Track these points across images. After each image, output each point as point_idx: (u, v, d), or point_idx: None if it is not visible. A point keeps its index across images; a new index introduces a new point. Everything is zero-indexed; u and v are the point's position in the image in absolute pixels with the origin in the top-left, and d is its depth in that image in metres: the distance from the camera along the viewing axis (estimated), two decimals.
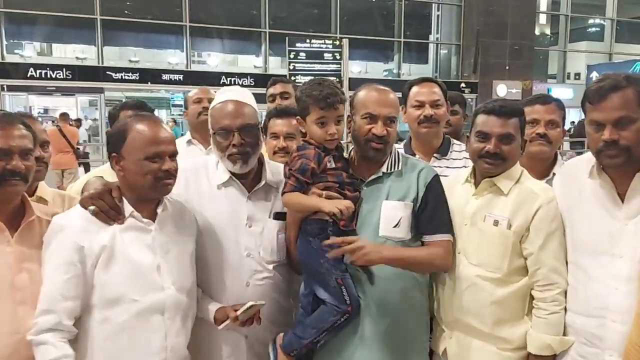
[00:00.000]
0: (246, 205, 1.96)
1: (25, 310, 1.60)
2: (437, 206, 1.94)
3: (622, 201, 1.73)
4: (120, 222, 1.72)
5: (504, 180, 1.94)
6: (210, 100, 2.97)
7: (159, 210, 1.79)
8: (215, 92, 3.09)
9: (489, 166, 1.92)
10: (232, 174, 1.96)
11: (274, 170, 2.05)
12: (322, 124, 1.91)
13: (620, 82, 1.65)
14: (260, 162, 2.02)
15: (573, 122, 15.27)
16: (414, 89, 2.54)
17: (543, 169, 2.23)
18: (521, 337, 1.88)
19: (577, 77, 20.94)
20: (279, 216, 1.99)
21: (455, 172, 2.30)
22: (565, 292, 1.85)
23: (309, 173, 1.88)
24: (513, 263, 1.88)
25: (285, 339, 1.92)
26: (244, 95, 1.99)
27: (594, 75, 17.23)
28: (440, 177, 2.18)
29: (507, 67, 17.91)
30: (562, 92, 17.92)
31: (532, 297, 1.90)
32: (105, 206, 1.71)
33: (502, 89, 17.37)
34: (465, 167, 2.30)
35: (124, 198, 1.75)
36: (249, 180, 1.98)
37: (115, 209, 1.72)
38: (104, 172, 2.23)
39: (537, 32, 19.54)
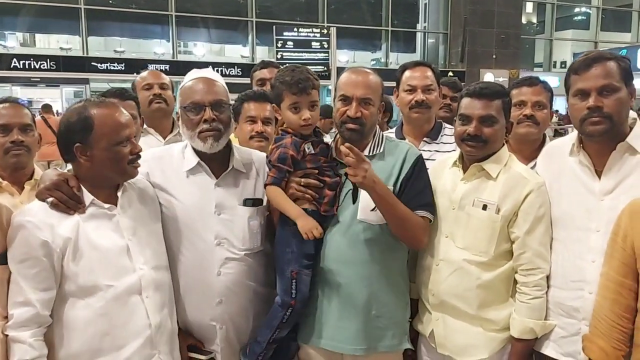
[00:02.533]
0: (215, 192, 1.93)
1: None
2: (419, 186, 1.93)
3: (599, 178, 1.78)
4: (81, 211, 1.69)
5: (492, 164, 1.94)
6: (162, 86, 2.89)
7: (119, 194, 1.77)
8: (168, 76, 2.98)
9: (471, 149, 1.92)
10: (201, 158, 1.92)
11: (243, 155, 2.02)
12: (295, 109, 1.91)
13: (604, 54, 1.77)
14: (229, 147, 1.98)
15: (557, 110, 15.37)
16: (407, 73, 2.51)
17: (531, 151, 2.24)
18: (506, 318, 1.90)
19: (563, 65, 21.04)
20: (249, 202, 1.96)
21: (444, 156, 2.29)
22: (548, 277, 1.88)
23: (289, 161, 1.87)
24: (500, 247, 1.90)
25: (249, 352, 1.94)
26: (216, 75, 1.98)
27: None
28: (429, 160, 2.19)
29: (494, 56, 18.01)
30: (548, 80, 17.31)
31: (516, 282, 1.91)
32: (63, 196, 1.67)
33: (489, 78, 17.41)
34: (455, 151, 2.29)
35: (82, 186, 1.72)
36: (217, 166, 1.95)
37: (74, 199, 1.68)
38: None
39: (524, 20, 19.62)
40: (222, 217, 1.91)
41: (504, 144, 1.99)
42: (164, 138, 2.87)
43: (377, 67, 18.47)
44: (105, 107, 1.71)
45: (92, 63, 14.95)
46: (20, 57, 14.36)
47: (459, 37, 18.04)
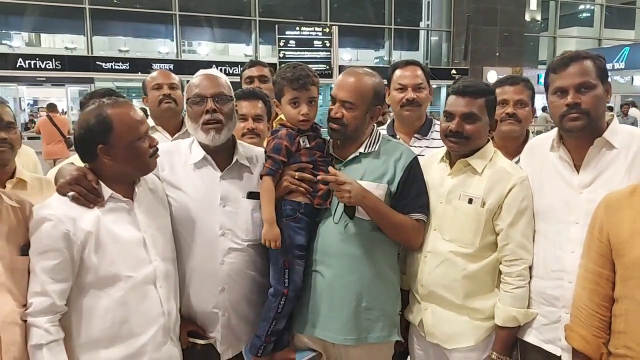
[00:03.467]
0: (220, 185, 2.01)
1: (1, 297, 1.63)
2: (414, 188, 2.01)
3: (578, 172, 1.86)
4: (101, 204, 1.76)
5: (478, 160, 2.02)
6: (171, 86, 2.96)
7: (136, 189, 1.85)
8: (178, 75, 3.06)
9: (453, 145, 2.00)
10: (206, 151, 2.01)
11: (247, 151, 2.11)
12: (295, 104, 2.00)
13: (581, 53, 1.86)
14: (233, 143, 2.07)
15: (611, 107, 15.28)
16: (397, 72, 2.58)
17: (515, 148, 2.30)
18: (491, 308, 1.98)
19: None
20: (252, 195, 2.03)
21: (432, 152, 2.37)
22: (531, 268, 1.95)
23: (284, 151, 1.96)
24: (485, 239, 1.97)
25: (250, 346, 2.02)
26: (219, 73, 2.07)
27: None
28: (420, 156, 2.26)
29: (497, 54, 17.98)
30: None
31: (500, 272, 1.99)
32: (83, 190, 1.74)
33: (492, 75, 17.39)
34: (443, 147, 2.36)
35: (100, 181, 1.79)
36: (222, 160, 2.03)
37: (93, 192, 1.75)
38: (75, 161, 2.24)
39: (527, 18, 19.56)
40: (226, 209, 2.00)
41: (489, 140, 2.06)
42: (172, 136, 2.95)
43: (380, 65, 18.50)
44: (120, 107, 1.78)
45: (97, 62, 15.05)
46: (26, 56, 14.47)
47: (462, 35, 18.03)
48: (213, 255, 1.97)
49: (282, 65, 2.12)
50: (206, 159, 2.01)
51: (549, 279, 1.89)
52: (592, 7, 21.99)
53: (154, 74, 3.04)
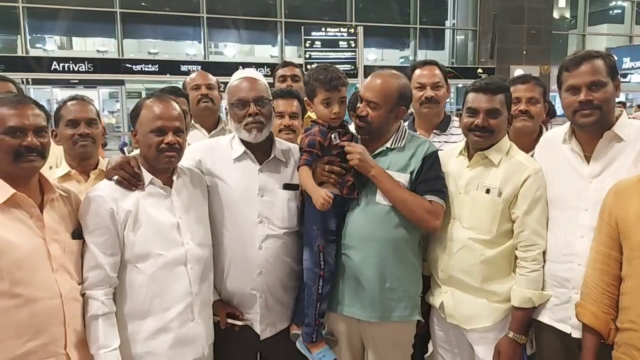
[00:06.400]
0: (258, 177, 2.18)
1: (61, 276, 1.81)
2: (430, 174, 2.15)
3: (588, 163, 1.98)
4: (141, 188, 1.97)
5: (495, 153, 2.15)
6: (209, 86, 3.17)
7: (174, 178, 2.04)
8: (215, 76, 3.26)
9: (478, 138, 2.13)
10: (246, 147, 2.19)
11: (283, 147, 2.29)
12: (327, 104, 2.17)
13: (592, 52, 1.97)
14: (270, 139, 2.25)
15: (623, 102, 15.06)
16: (417, 72, 2.75)
17: (528, 143, 2.41)
18: (508, 290, 2.11)
19: None
20: (288, 187, 2.21)
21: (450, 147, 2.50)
22: (544, 252, 2.08)
23: (318, 145, 2.12)
24: (501, 227, 2.10)
25: (303, 335, 2.18)
26: (258, 74, 2.25)
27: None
28: (439, 150, 2.41)
29: (524, 52, 17.77)
30: None
31: (516, 257, 2.12)
32: (125, 174, 1.96)
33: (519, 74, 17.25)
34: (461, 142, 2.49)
35: (142, 167, 2.00)
36: (260, 154, 2.21)
37: (134, 176, 1.97)
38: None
39: (556, 15, 19.31)
40: (264, 199, 2.17)
41: (505, 134, 2.19)
42: (209, 133, 3.15)
43: (406, 65, 18.50)
44: (153, 100, 2.00)
45: (127, 65, 15.37)
46: (60, 59, 14.85)
47: (488, 34, 17.87)
48: (252, 241, 2.14)
49: (314, 67, 2.28)
50: (246, 154, 2.19)
51: (560, 262, 2.02)
52: (623, 4, 21.56)
53: (193, 75, 3.26)
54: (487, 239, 2.11)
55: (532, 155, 2.25)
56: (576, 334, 1.93)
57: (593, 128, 1.94)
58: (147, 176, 1.99)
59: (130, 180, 1.96)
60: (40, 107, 1.85)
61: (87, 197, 1.94)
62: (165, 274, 1.95)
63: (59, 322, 1.77)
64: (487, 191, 2.12)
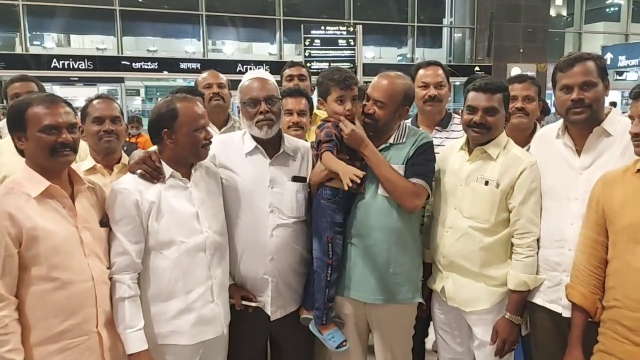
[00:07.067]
0: (269, 170, 2.33)
1: (92, 261, 1.96)
2: (420, 159, 2.29)
3: (579, 156, 2.15)
4: (162, 180, 2.12)
5: (493, 147, 2.30)
6: (220, 85, 3.32)
7: (193, 171, 2.19)
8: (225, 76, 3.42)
9: (476, 134, 2.29)
10: (257, 142, 2.34)
11: (292, 142, 2.44)
12: (341, 102, 2.33)
13: (584, 55, 2.12)
14: (280, 135, 2.40)
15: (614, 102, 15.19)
16: (420, 72, 2.91)
17: (524, 138, 2.57)
18: (504, 275, 2.26)
19: None
20: (296, 179, 2.36)
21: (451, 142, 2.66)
22: (538, 240, 2.24)
23: (334, 136, 2.28)
24: (499, 216, 2.26)
25: (314, 318, 2.34)
26: (268, 75, 2.40)
27: (609, 56, 17.26)
28: (440, 146, 2.58)
29: (521, 50, 17.89)
30: None
31: (512, 244, 2.28)
32: (148, 168, 2.11)
33: (516, 72, 17.31)
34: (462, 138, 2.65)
35: (163, 162, 2.14)
36: (271, 149, 2.36)
37: (156, 170, 2.12)
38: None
39: (552, 13, 19.41)
40: (274, 190, 2.32)
41: (503, 131, 2.35)
42: (219, 129, 3.28)
43: (403, 63, 18.63)
44: (187, 101, 2.14)
45: (127, 62, 15.40)
46: (59, 57, 14.88)
47: (485, 32, 17.96)
48: (264, 229, 2.29)
49: (327, 68, 2.44)
50: (257, 149, 2.35)
51: (552, 247, 2.18)
52: (620, 2, 21.67)
53: (204, 74, 3.40)
54: (485, 227, 2.26)
55: (527, 150, 2.41)
56: (566, 313, 2.09)
57: (584, 124, 2.10)
58: (167, 170, 2.14)
59: (152, 173, 2.11)
60: (69, 105, 1.99)
61: (114, 189, 2.09)
62: (187, 259, 2.10)
63: (91, 303, 1.92)
64: (486, 183, 2.27)
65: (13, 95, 3.03)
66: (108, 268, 2.03)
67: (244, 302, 2.32)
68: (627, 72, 18.52)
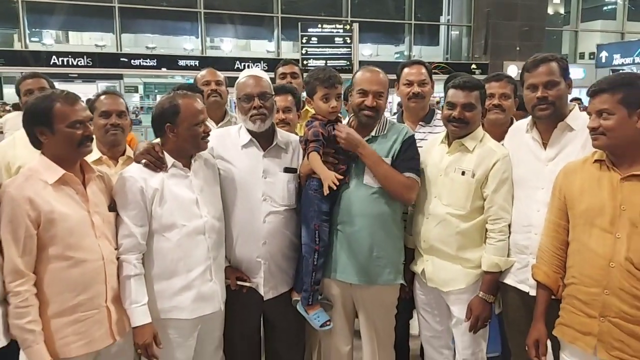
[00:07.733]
0: (262, 161, 2.52)
1: (102, 242, 2.15)
2: (407, 154, 2.48)
3: (545, 149, 2.35)
4: (165, 170, 2.31)
5: (470, 140, 2.50)
6: (218, 83, 3.51)
7: (193, 162, 2.38)
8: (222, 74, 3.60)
9: (455, 128, 2.48)
10: (252, 135, 2.52)
11: (284, 136, 2.63)
12: (326, 100, 2.51)
13: (548, 56, 2.32)
14: (273, 129, 2.59)
15: (580, 99, 15.33)
16: (405, 70, 3.09)
17: (500, 133, 2.74)
18: (479, 258, 2.46)
19: (591, 56, 20.63)
20: (288, 170, 2.55)
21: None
22: (510, 225, 2.43)
23: (321, 135, 2.45)
24: (474, 203, 2.45)
25: (302, 299, 2.52)
26: (262, 73, 2.59)
27: (604, 54, 17.44)
28: (424, 140, 2.77)
29: (517, 48, 18.00)
30: (572, 71, 17.31)
31: (486, 229, 2.47)
32: (152, 158, 2.30)
33: (513, 70, 17.38)
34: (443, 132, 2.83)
35: (165, 153, 2.33)
36: (264, 142, 2.55)
37: (159, 160, 2.31)
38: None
39: (550, 11, 19.47)
40: (267, 180, 2.52)
41: (479, 125, 2.54)
42: (217, 124, 3.47)
43: (401, 60, 18.64)
44: (188, 98, 2.33)
45: (126, 59, 15.47)
46: (59, 54, 14.95)
47: (482, 30, 18.04)
48: (257, 216, 2.49)
49: (313, 68, 2.62)
50: (252, 141, 2.54)
51: (521, 232, 2.39)
52: (616, 0, 21.80)
53: (203, 72, 3.59)
54: (462, 214, 2.46)
55: (503, 144, 2.60)
56: (533, 292, 2.28)
57: (549, 120, 2.30)
58: (169, 160, 2.33)
59: (155, 163, 2.31)
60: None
61: (121, 177, 2.29)
62: (188, 241, 2.29)
63: (101, 280, 2.12)
64: (463, 173, 2.46)
65: (26, 91, 3.23)
66: (116, 249, 2.22)
67: (239, 282, 2.50)
68: (622, 70, 18.62)
